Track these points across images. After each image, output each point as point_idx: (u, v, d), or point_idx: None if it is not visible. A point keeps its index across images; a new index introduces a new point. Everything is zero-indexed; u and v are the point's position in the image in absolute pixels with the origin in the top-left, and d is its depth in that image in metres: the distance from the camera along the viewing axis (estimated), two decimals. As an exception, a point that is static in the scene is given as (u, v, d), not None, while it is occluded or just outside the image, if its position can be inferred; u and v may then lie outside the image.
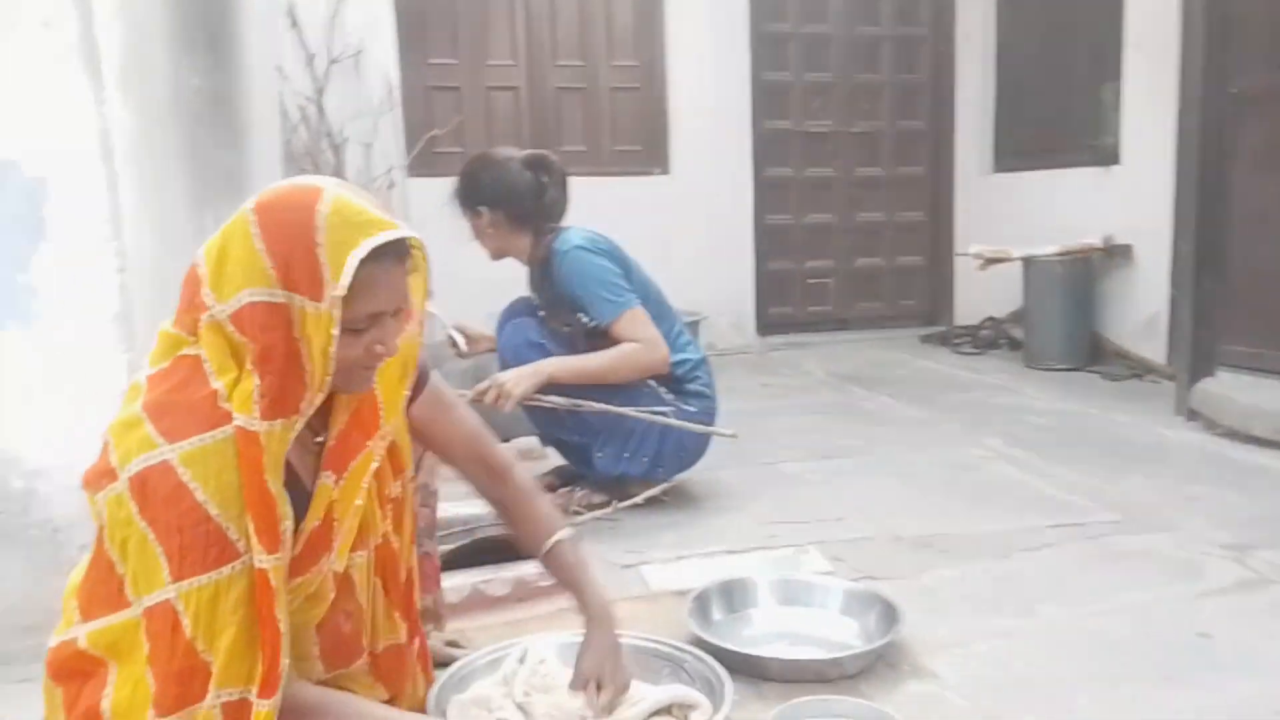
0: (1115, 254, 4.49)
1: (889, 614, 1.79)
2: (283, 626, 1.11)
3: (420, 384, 1.40)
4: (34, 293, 1.73)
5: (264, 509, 1.10)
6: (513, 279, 2.72)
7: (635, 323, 2.43)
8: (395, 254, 1.16)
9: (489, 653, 1.61)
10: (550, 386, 2.39)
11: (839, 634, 1.82)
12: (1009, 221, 5.23)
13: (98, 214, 1.76)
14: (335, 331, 1.11)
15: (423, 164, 4.89)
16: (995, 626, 1.87)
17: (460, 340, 2.63)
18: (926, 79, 5.80)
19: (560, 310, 2.51)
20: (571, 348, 2.48)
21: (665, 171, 5.34)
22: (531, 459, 2.94)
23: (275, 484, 1.12)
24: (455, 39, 5.05)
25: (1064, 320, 4.55)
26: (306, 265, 1.10)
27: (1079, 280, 4.54)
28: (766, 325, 5.63)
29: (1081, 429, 3.45)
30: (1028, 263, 4.64)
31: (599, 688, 1.41)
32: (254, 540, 1.10)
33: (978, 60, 5.59)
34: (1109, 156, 4.61)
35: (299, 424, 1.16)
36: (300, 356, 1.12)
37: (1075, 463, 2.96)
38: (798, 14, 5.54)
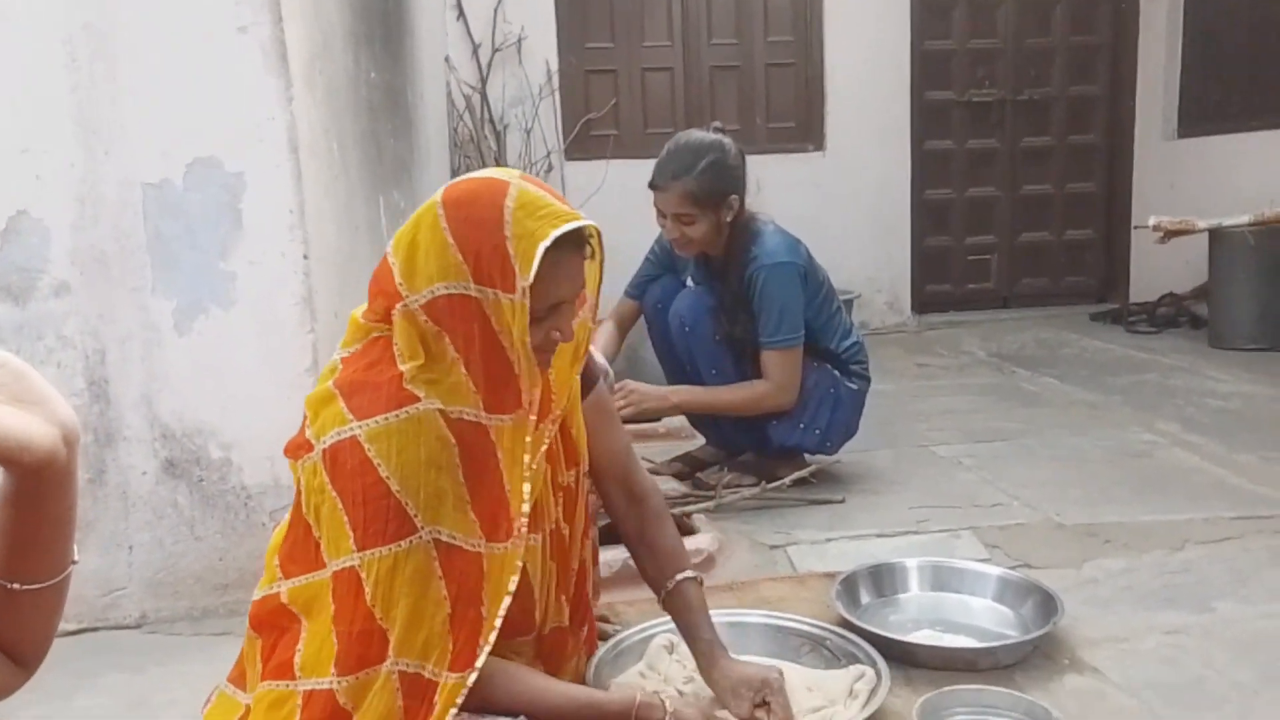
0: (1319, 224, 4.12)
1: (1047, 604, 1.73)
2: (487, 610, 1.18)
3: (590, 381, 1.43)
4: (233, 278, 1.89)
5: (493, 499, 1.18)
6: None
7: (787, 362, 2.42)
8: (574, 243, 1.21)
9: (640, 630, 1.63)
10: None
11: (992, 623, 1.78)
12: (1193, 190, 4.88)
13: (285, 204, 1.90)
14: (525, 320, 1.16)
15: (578, 147, 5.02)
16: (1165, 622, 1.78)
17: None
18: (1105, 40, 5.46)
19: (739, 312, 2.44)
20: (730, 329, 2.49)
21: (820, 148, 5.25)
22: (679, 438, 3.00)
23: (512, 479, 1.19)
24: (612, 22, 5.12)
25: (1256, 296, 4.20)
26: (497, 258, 1.15)
27: (1275, 252, 4.18)
28: (923, 303, 5.48)
29: (1272, 414, 3.20)
30: (1215, 234, 4.32)
31: (763, 701, 1.35)
32: (476, 525, 1.18)
33: (1163, 17, 5.21)
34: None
35: (534, 422, 1.21)
36: (504, 348, 1.18)
37: (1264, 450, 2.75)
38: (964, -23, 5.33)
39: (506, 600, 1.20)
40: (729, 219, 2.41)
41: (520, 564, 1.22)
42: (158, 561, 1.96)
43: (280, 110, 1.88)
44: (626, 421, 2.21)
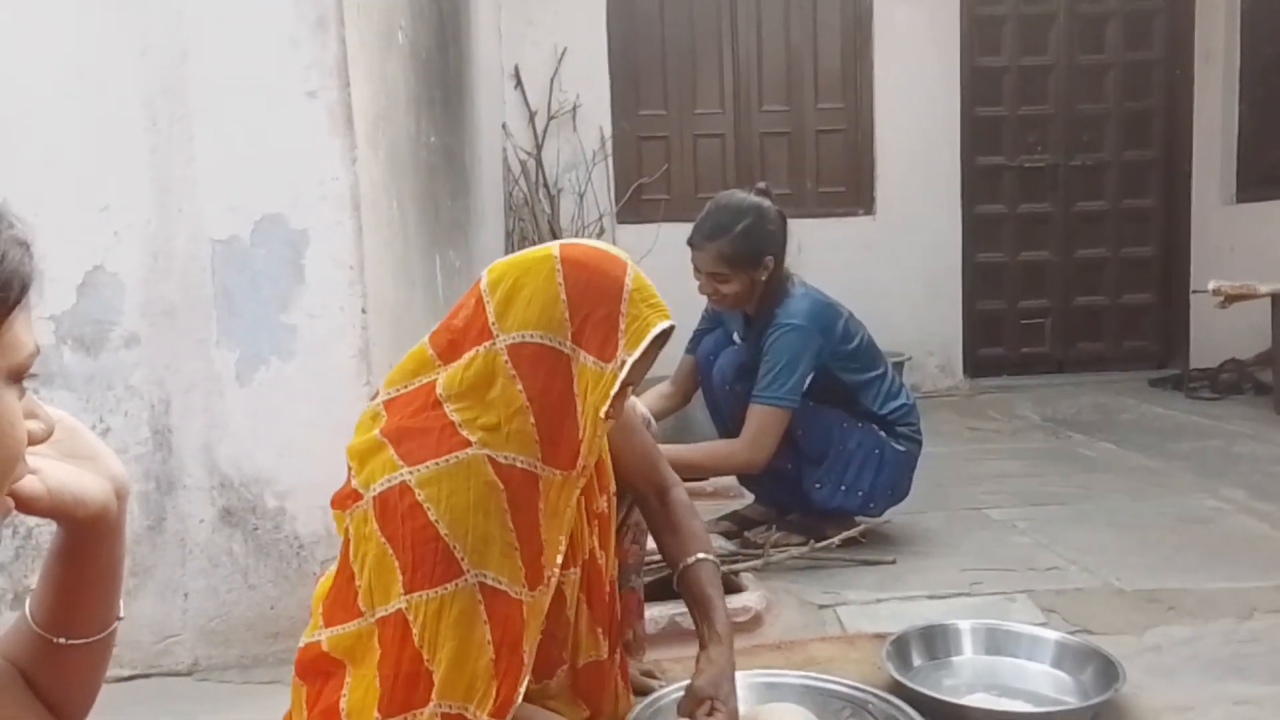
0: (1386, 290, 4.02)
1: (1108, 671, 1.67)
2: (528, 658, 1.20)
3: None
4: (293, 331, 1.95)
5: (532, 548, 1.21)
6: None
7: (769, 420, 2.39)
8: (660, 339, 1.27)
9: (684, 686, 1.62)
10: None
11: (1050, 688, 1.73)
12: (1254, 255, 4.80)
13: (346, 260, 1.96)
14: (613, 392, 1.21)
15: (630, 211, 5.10)
16: (1235, 693, 1.70)
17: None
18: (1158, 105, 5.45)
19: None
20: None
21: (870, 212, 5.28)
22: (728, 497, 2.98)
23: (551, 530, 1.22)
24: (665, 89, 5.24)
25: (1323, 363, 4.10)
26: (605, 327, 1.22)
27: (1340, 318, 4.09)
28: (976, 367, 5.42)
29: (1344, 484, 3.09)
30: (1277, 299, 4.23)
31: (711, 710, 1.38)
32: (521, 573, 1.20)
33: (1218, 82, 5.19)
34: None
35: (580, 483, 1.26)
36: (576, 410, 1.22)
37: (1335, 520, 2.66)
38: (1014, 47, 5.37)
39: (532, 649, 1.22)
40: (764, 278, 2.44)
41: (545, 611, 1.24)
42: (212, 609, 1.99)
43: (344, 170, 1.95)
44: None
